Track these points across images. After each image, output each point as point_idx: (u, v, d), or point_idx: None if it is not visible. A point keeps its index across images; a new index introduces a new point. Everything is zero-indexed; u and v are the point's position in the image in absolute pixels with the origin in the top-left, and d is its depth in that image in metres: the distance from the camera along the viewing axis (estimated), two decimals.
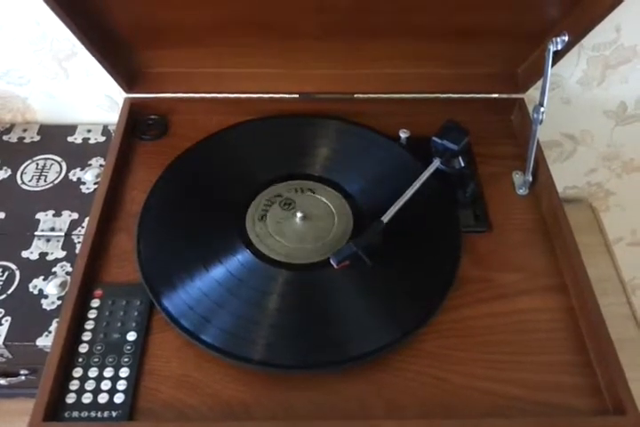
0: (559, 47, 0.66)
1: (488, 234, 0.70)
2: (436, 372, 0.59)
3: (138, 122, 0.80)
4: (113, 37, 0.70)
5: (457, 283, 0.64)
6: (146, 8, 0.66)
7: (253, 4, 0.64)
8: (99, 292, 0.63)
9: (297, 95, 0.80)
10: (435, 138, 0.70)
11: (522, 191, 0.75)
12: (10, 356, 0.73)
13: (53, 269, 0.77)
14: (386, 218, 0.64)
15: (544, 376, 0.59)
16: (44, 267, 0.77)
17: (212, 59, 0.75)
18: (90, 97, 0.93)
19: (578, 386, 0.59)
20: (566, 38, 0.65)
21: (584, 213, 1.12)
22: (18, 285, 0.75)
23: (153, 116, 0.80)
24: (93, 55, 0.70)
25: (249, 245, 0.66)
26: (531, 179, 0.74)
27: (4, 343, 0.70)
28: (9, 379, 0.79)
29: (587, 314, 0.62)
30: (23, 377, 0.79)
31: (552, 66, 0.67)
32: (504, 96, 0.82)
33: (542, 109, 0.68)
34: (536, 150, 0.72)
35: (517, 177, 0.76)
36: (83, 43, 0.68)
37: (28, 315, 0.72)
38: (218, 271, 0.64)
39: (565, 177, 1.09)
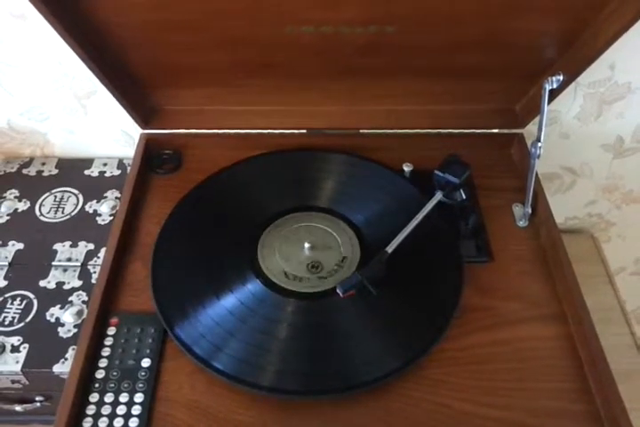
0: (555, 86, 0.69)
1: (489, 264, 0.73)
2: (439, 398, 0.61)
3: (153, 156, 0.83)
4: (131, 77, 0.74)
5: (459, 311, 0.66)
6: (162, 51, 0.69)
7: (263, 48, 0.68)
8: (115, 320, 0.65)
9: (305, 131, 0.84)
10: (437, 171, 0.72)
11: (522, 223, 0.77)
12: (27, 382, 0.75)
13: (70, 298, 0.79)
14: (390, 248, 0.66)
15: (544, 403, 0.61)
16: (60, 296, 0.80)
17: (224, 97, 0.79)
18: (107, 132, 0.97)
19: (577, 412, 0.60)
20: (561, 77, 0.68)
21: (585, 243, 1.14)
22: (35, 313, 0.78)
23: (167, 151, 0.84)
24: (112, 94, 0.74)
25: (259, 274, 0.68)
26: (530, 211, 0.76)
27: (21, 370, 0.73)
28: (24, 405, 0.81)
29: (585, 342, 0.64)
30: (38, 404, 0.81)
31: (548, 103, 0.70)
32: (504, 131, 0.85)
33: (539, 144, 0.71)
34: (535, 183, 0.74)
35: (517, 209, 0.78)
36: (102, 82, 0.71)
37: (45, 342, 0.75)
38: (229, 300, 0.66)
39: (566, 208, 1.12)
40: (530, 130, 0.84)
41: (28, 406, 0.81)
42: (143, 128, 0.82)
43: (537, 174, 0.75)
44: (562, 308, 0.69)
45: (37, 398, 0.81)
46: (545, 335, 0.66)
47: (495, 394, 0.61)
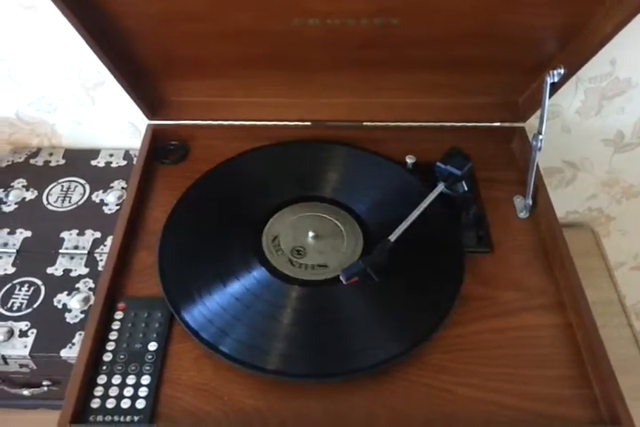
0: (556, 79, 0.70)
1: (490, 254, 0.74)
2: (440, 383, 0.62)
3: (159, 147, 0.84)
4: (139, 68, 0.75)
5: (461, 300, 0.67)
6: (169, 42, 0.71)
7: (269, 40, 0.69)
8: (122, 305, 0.66)
9: (309, 123, 0.85)
10: (439, 163, 0.73)
11: (522, 215, 0.78)
12: (34, 367, 0.77)
13: (77, 285, 0.81)
14: (393, 237, 0.67)
15: (544, 389, 0.62)
16: (67, 283, 0.81)
17: (230, 88, 0.80)
18: (113, 124, 0.98)
19: (575, 398, 0.62)
20: (562, 71, 0.69)
21: (586, 237, 1.15)
22: (43, 299, 0.79)
23: (174, 142, 0.85)
24: (121, 84, 0.75)
25: (264, 262, 0.69)
26: (531, 203, 0.77)
27: (29, 354, 0.74)
28: (32, 390, 0.82)
29: (584, 330, 0.65)
30: (45, 388, 0.82)
31: (550, 97, 0.71)
32: (506, 125, 0.86)
33: (540, 137, 0.72)
34: (535, 176, 0.75)
35: (518, 201, 0.79)
36: (112, 73, 0.73)
37: (53, 328, 0.76)
38: (235, 287, 0.67)
39: (567, 202, 1.13)
40: (531, 124, 0.85)
41: (36, 390, 0.82)
42: (150, 119, 0.83)
43: (538, 167, 0.76)
44: (561, 297, 0.70)
45: (44, 383, 0.82)
46: (544, 324, 0.68)
47: (495, 380, 0.63)
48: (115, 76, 0.73)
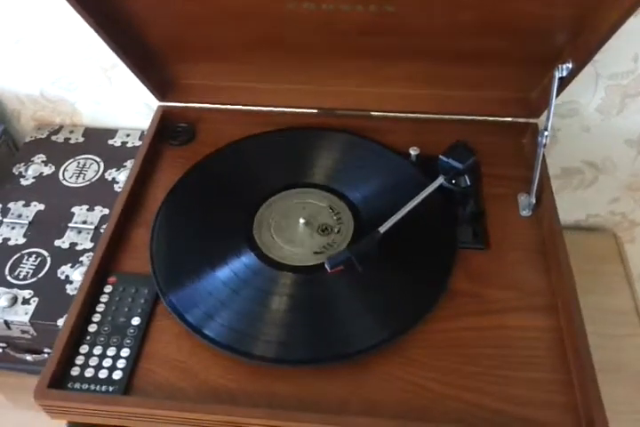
0: (564, 74, 0.67)
1: (486, 251, 0.72)
2: (416, 378, 0.62)
3: (167, 128, 0.86)
4: (148, 52, 0.77)
5: (448, 295, 0.67)
6: (179, 27, 0.72)
7: (267, 23, 0.69)
8: (113, 279, 0.68)
9: (316, 110, 0.84)
10: (441, 156, 0.72)
11: (525, 213, 0.76)
12: (34, 333, 0.80)
13: (80, 259, 0.84)
14: (383, 229, 0.67)
15: (522, 391, 0.61)
16: (72, 256, 0.84)
17: (239, 73, 0.81)
18: (130, 104, 1.01)
19: (555, 403, 0.60)
20: (570, 65, 0.67)
21: (607, 242, 1.11)
22: (48, 270, 0.83)
23: (182, 124, 0.86)
24: (129, 68, 0.76)
25: (253, 247, 0.70)
26: (534, 201, 0.75)
27: (29, 321, 0.77)
28: (34, 356, 0.86)
29: (572, 335, 0.63)
30: (46, 355, 0.86)
31: (559, 92, 0.69)
32: (518, 120, 0.83)
33: (546, 133, 0.70)
34: (541, 174, 0.73)
35: (522, 199, 0.77)
36: (119, 57, 0.74)
37: (54, 298, 0.80)
38: (223, 271, 0.68)
39: (588, 205, 1.09)
40: (544, 120, 0.82)
41: (38, 356, 0.86)
42: (160, 101, 0.85)
43: (545, 164, 0.74)
44: (554, 300, 0.68)
45: (45, 350, 0.85)
46: (533, 326, 0.66)
47: (472, 378, 0.61)
48: (123, 60, 0.75)
